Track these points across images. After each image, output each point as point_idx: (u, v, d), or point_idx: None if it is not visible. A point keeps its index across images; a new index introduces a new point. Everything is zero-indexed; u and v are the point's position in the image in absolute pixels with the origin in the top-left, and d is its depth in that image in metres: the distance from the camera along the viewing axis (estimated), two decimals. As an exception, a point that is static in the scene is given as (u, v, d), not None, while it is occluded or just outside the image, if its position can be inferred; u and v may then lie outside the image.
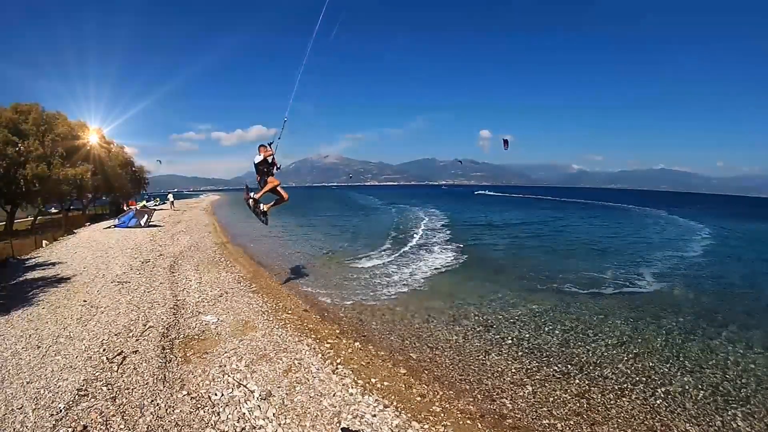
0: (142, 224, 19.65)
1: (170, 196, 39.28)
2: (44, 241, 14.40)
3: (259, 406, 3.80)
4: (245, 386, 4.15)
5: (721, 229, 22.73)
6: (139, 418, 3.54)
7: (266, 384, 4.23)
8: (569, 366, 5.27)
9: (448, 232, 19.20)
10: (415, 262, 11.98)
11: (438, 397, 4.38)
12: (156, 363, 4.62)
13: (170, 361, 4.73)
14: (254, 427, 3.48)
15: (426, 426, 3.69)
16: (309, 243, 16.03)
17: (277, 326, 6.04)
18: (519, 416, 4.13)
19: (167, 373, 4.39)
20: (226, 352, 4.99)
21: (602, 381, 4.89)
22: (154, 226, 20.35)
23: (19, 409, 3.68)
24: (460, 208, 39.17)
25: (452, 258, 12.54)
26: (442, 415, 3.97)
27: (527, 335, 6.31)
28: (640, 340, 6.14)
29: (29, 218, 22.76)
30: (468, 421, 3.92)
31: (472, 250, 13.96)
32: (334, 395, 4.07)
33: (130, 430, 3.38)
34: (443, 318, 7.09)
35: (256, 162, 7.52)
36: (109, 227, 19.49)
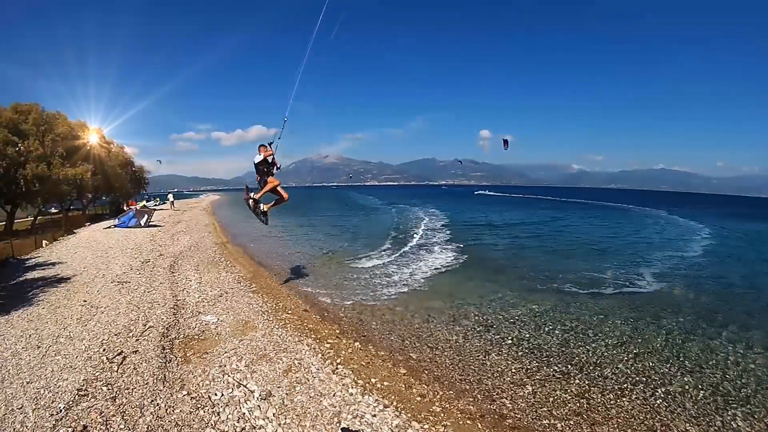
0: (142, 224, 19.66)
1: (170, 196, 39.30)
2: (44, 241, 14.40)
3: (259, 406, 3.80)
4: (245, 386, 4.15)
5: (721, 229, 22.73)
6: (139, 418, 3.54)
7: (266, 384, 4.23)
8: (569, 366, 5.27)
9: (448, 232, 19.21)
10: (415, 262, 11.98)
11: (438, 397, 4.38)
12: (156, 363, 4.62)
13: (170, 361, 4.73)
14: (254, 427, 3.48)
15: (426, 426, 3.69)
16: (309, 243, 16.03)
17: (277, 326, 6.04)
18: (519, 416, 4.13)
19: (167, 373, 4.39)
20: (226, 352, 4.99)
21: (602, 381, 4.89)
22: (154, 226, 20.36)
23: (19, 409, 3.68)
24: (460, 208, 39.17)
25: (452, 258, 12.54)
26: (442, 415, 3.97)
27: (527, 335, 6.31)
28: (640, 340, 6.14)
29: (29, 218, 22.75)
30: (468, 421, 3.92)
31: (472, 250, 13.96)
32: (334, 395, 4.07)
33: (130, 430, 3.37)
34: (443, 318, 7.09)
35: (256, 162, 7.52)
36: (109, 227, 19.48)
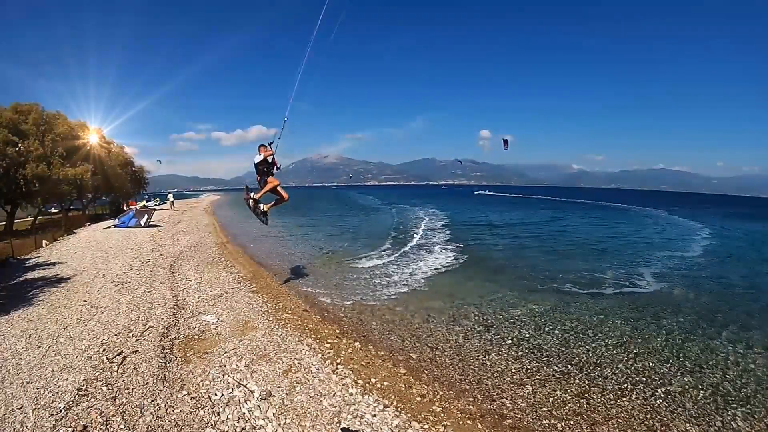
0: (142, 224, 19.66)
1: (170, 196, 39.31)
2: (44, 241, 14.41)
3: (259, 406, 3.80)
4: (245, 386, 4.15)
5: (721, 229, 22.74)
6: (139, 418, 3.54)
7: (266, 384, 4.23)
8: (569, 366, 5.27)
9: (448, 232, 19.21)
10: (415, 262, 11.98)
11: (438, 397, 4.38)
12: (156, 363, 4.62)
13: (170, 361, 4.73)
14: (254, 427, 3.48)
15: (426, 426, 3.69)
16: (309, 243, 16.03)
17: (277, 326, 6.04)
18: (519, 416, 4.13)
19: (167, 373, 4.39)
20: (226, 352, 4.99)
21: (602, 381, 4.89)
22: (154, 226, 20.36)
23: (19, 409, 3.68)
24: (460, 208, 39.17)
25: (452, 258, 12.54)
26: (442, 415, 3.97)
27: (527, 335, 6.31)
28: (640, 340, 6.14)
29: (29, 218, 22.76)
30: (468, 421, 3.92)
31: (472, 250, 13.96)
32: (334, 395, 4.07)
33: (130, 430, 3.37)
34: (443, 318, 7.09)
35: (256, 162, 7.52)
36: (109, 227, 19.49)
